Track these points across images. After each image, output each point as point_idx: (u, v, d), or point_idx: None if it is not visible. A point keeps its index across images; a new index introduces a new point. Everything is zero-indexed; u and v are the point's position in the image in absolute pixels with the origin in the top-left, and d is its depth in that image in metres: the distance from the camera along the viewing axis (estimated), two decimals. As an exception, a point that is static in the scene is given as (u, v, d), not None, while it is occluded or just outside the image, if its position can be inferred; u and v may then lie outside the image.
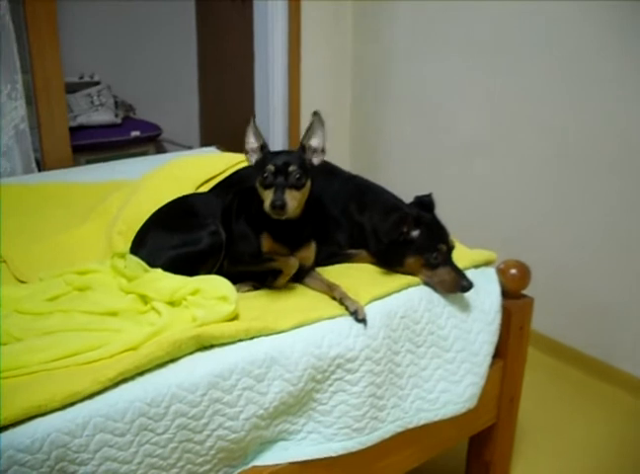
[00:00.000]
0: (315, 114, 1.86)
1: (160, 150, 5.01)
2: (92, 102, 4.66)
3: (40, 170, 3.28)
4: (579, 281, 3.14)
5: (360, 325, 1.79)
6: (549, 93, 3.10)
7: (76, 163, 4.15)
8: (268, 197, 1.74)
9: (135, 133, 4.70)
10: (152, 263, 1.89)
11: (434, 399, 1.98)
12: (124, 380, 1.49)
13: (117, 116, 4.70)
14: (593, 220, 3.04)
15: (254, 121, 1.89)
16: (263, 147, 1.87)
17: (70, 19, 4.69)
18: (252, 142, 1.88)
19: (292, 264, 1.84)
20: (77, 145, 4.24)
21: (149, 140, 4.83)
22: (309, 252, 1.94)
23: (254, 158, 1.87)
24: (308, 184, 1.81)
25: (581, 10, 2.90)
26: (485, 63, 3.38)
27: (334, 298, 1.86)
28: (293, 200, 1.75)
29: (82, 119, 4.55)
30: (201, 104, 5.67)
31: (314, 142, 1.87)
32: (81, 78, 4.78)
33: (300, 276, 1.96)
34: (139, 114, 4.99)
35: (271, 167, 1.76)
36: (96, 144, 4.51)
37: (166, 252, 1.92)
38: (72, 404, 1.41)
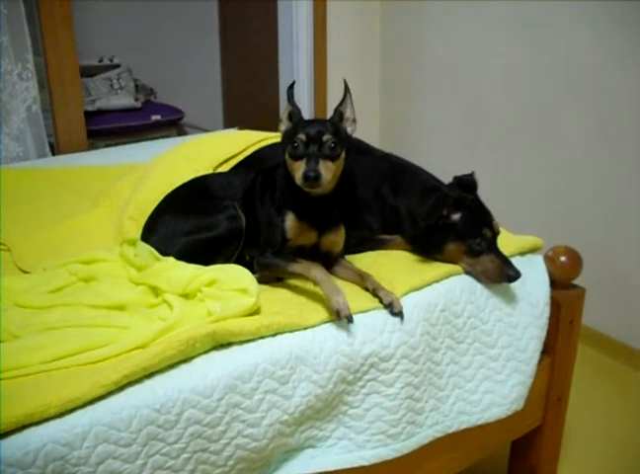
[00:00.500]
0: (345, 83, 1.72)
1: (182, 135, 4.86)
2: (111, 85, 4.56)
3: (54, 154, 3.15)
4: (629, 269, 2.94)
5: (396, 319, 1.62)
6: (595, 69, 2.91)
7: (94, 148, 4.04)
8: (299, 168, 1.59)
9: (156, 117, 4.58)
10: (164, 250, 1.72)
11: (476, 401, 1.82)
12: (130, 384, 1.32)
13: (137, 99, 4.58)
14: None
15: (291, 86, 1.75)
16: (292, 115, 1.70)
17: (91, 1, 4.60)
18: (284, 110, 1.73)
19: (314, 273, 1.63)
20: (96, 130, 4.18)
21: (170, 124, 4.71)
22: (338, 236, 1.78)
23: (283, 127, 1.71)
24: (343, 155, 1.66)
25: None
26: (525, 38, 3.19)
27: (366, 289, 1.69)
28: (328, 172, 1.59)
29: (101, 104, 4.43)
30: (224, 87, 5.54)
31: (347, 111, 1.72)
32: (100, 61, 4.66)
33: (328, 265, 1.79)
34: (160, 98, 4.89)
35: (302, 135, 1.60)
36: (115, 129, 4.40)
37: (179, 238, 1.75)
38: (71, 411, 1.24)
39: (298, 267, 1.66)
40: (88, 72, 4.45)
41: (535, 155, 3.24)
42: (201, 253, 1.71)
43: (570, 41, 2.98)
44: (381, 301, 1.63)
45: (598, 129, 2.94)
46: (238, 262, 1.73)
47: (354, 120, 1.72)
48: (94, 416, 1.25)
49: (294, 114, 1.70)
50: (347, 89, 1.71)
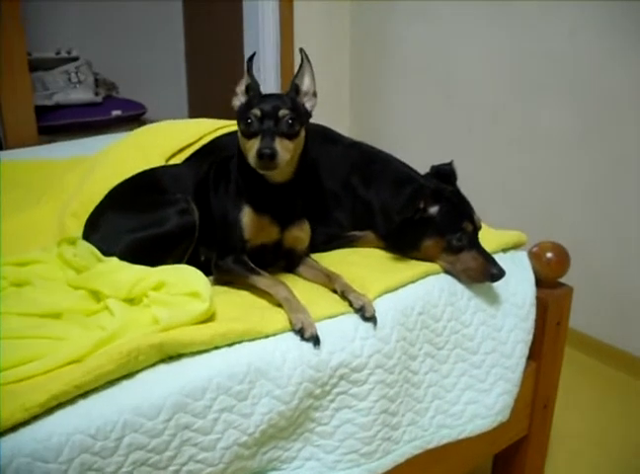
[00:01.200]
0: (301, 51, 1.58)
1: (144, 131, 4.68)
2: (69, 79, 4.35)
3: (1, 149, 2.95)
4: (617, 269, 2.82)
5: (369, 325, 1.46)
6: (579, 59, 2.78)
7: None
8: (252, 147, 1.42)
9: (117, 113, 4.38)
10: (106, 250, 1.53)
11: (458, 412, 1.68)
12: (61, 405, 1.13)
13: (97, 94, 4.39)
14: (633, 197, 2.70)
15: (251, 58, 1.60)
16: (249, 89, 1.54)
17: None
18: (242, 83, 1.57)
19: (276, 290, 1.46)
20: (54, 125, 4.03)
21: (132, 120, 4.50)
22: (302, 232, 1.62)
23: (238, 102, 1.55)
24: (302, 133, 1.50)
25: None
26: (503, 26, 3.07)
27: (334, 291, 1.53)
28: (285, 151, 1.43)
29: (59, 98, 4.23)
30: (189, 81, 5.39)
31: (305, 83, 1.56)
32: (58, 53, 4.44)
33: (292, 264, 1.63)
34: (124, 92, 4.69)
35: (256, 111, 1.45)
36: (74, 124, 4.20)
37: (123, 236, 1.56)
38: (-14, 440, 1.05)
39: (261, 281, 1.49)
40: (45, 65, 4.25)
41: (516, 146, 3.11)
42: (149, 252, 1.53)
43: (552, 25, 2.86)
44: (351, 305, 1.47)
45: (582, 120, 2.82)
46: (191, 262, 1.56)
47: (314, 94, 1.56)
48: (16, 445, 1.06)
49: (252, 88, 1.54)
50: (305, 58, 1.56)
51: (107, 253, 1.52)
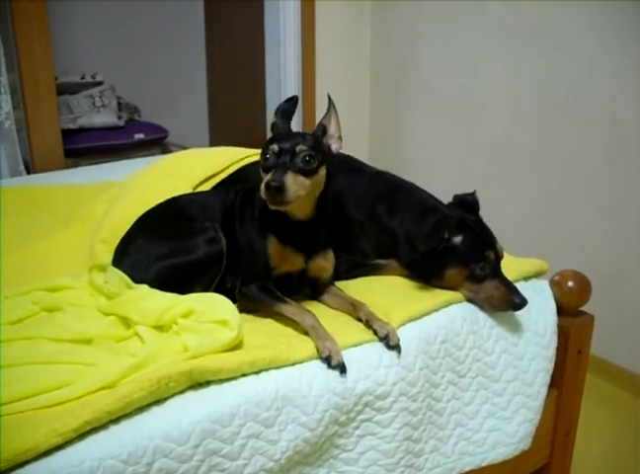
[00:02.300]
0: (328, 97, 1.59)
1: (166, 154, 4.73)
2: (93, 103, 4.41)
3: (29, 174, 2.99)
4: (636, 294, 2.78)
5: (393, 353, 1.48)
6: (597, 81, 2.78)
7: (74, 167, 3.91)
8: (265, 178, 1.44)
9: (139, 136, 4.42)
10: (137, 277, 1.56)
11: (480, 440, 1.68)
12: (93, 430, 1.16)
13: (119, 118, 4.44)
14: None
15: (290, 100, 1.68)
16: (274, 127, 1.59)
17: (74, 17, 4.51)
18: (273, 119, 1.62)
19: (303, 319, 1.47)
20: (78, 148, 4.07)
21: (155, 143, 4.56)
22: (327, 261, 1.63)
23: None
24: (323, 172, 1.50)
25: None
26: (520, 48, 3.07)
27: (359, 320, 1.54)
28: (296, 186, 1.42)
29: (83, 121, 4.28)
30: (210, 105, 5.42)
31: (332, 128, 1.58)
32: (82, 78, 4.51)
33: (317, 292, 1.65)
34: (145, 116, 4.74)
35: (274, 146, 1.46)
36: (97, 148, 4.24)
37: (153, 263, 1.59)
38: (22, 465, 1.08)
39: (288, 309, 1.50)
40: (70, 89, 4.32)
41: (536, 172, 3.10)
42: (178, 279, 1.56)
43: (568, 52, 2.87)
44: (376, 333, 1.48)
45: (601, 145, 2.81)
46: (218, 290, 1.58)
47: (339, 138, 1.58)
48: (49, 470, 1.09)
49: (276, 126, 1.59)
50: (331, 103, 1.58)
51: (136, 280, 1.55)
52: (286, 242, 1.56)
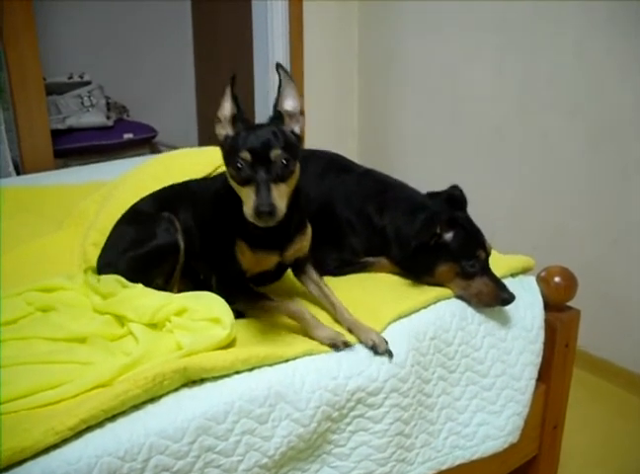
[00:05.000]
0: (278, 67, 1.42)
1: (155, 153, 4.72)
2: (82, 103, 4.40)
3: (19, 174, 3.00)
4: (626, 289, 2.83)
5: None
6: (583, 74, 2.81)
7: (64, 168, 3.90)
8: (248, 198, 1.30)
9: (128, 136, 4.42)
10: (112, 273, 1.60)
11: (470, 434, 1.71)
12: (90, 429, 1.18)
13: (108, 118, 4.43)
14: (638, 215, 2.72)
15: (232, 82, 1.41)
16: (235, 119, 1.40)
17: (61, 17, 4.48)
18: (226, 108, 1.41)
19: (290, 309, 1.48)
20: (66, 149, 4.06)
21: (144, 143, 4.56)
22: (303, 241, 1.56)
23: (223, 132, 1.41)
24: (297, 167, 1.38)
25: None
26: (507, 41, 3.08)
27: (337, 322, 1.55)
28: (283, 199, 1.31)
29: (71, 122, 4.28)
30: (199, 104, 5.42)
31: (289, 105, 1.42)
32: (70, 78, 4.49)
33: (299, 269, 1.61)
34: (134, 115, 4.73)
35: (246, 155, 1.31)
36: (86, 148, 4.24)
37: (118, 257, 1.63)
38: (19, 463, 1.09)
39: (269, 304, 1.49)
40: (58, 89, 4.30)
41: (524, 168, 3.12)
42: (138, 271, 1.58)
43: (557, 47, 2.89)
44: (361, 341, 1.48)
45: (589, 141, 2.83)
46: (190, 278, 1.61)
47: (301, 113, 1.42)
48: (47, 468, 1.10)
49: (238, 118, 1.40)
50: (285, 75, 1.41)
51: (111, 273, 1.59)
52: (257, 246, 1.48)
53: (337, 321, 1.54)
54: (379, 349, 1.47)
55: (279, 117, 1.41)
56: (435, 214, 1.65)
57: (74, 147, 4.15)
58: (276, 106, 1.43)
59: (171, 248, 1.59)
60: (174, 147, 4.68)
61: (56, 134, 3.94)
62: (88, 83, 4.51)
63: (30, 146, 3.07)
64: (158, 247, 1.58)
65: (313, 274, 1.60)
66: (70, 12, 4.59)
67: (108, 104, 4.52)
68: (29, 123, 3.07)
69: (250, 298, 1.52)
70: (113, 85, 4.68)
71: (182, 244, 1.60)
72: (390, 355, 1.48)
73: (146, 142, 4.59)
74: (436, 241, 1.65)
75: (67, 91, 4.39)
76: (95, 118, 4.36)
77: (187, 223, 1.64)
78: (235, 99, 1.41)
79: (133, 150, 4.45)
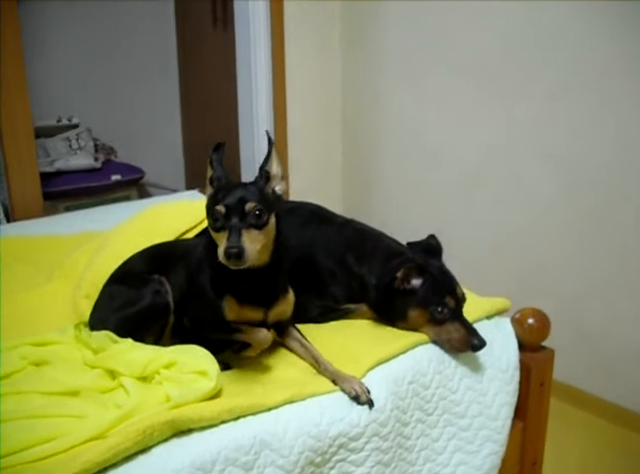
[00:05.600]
0: (267, 136, 1.60)
1: (143, 194, 4.80)
2: (70, 145, 4.46)
3: (9, 220, 3.05)
4: (603, 323, 2.91)
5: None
6: (557, 120, 2.92)
7: (55, 210, 3.98)
8: (221, 242, 1.41)
9: (116, 177, 4.48)
10: (102, 329, 1.66)
11: (449, 474, 1.74)
12: (83, 481, 1.23)
13: (96, 159, 4.49)
14: (611, 257, 2.83)
15: (219, 148, 1.61)
16: (213, 180, 1.55)
17: (48, 61, 4.55)
18: (208, 171, 1.58)
19: (263, 339, 1.56)
20: (55, 191, 4.11)
21: (131, 184, 4.61)
22: (286, 305, 1.66)
23: (207, 192, 1.56)
24: (273, 220, 1.50)
25: (585, 29, 2.75)
26: (489, 87, 3.18)
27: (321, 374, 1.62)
28: (254, 244, 1.42)
29: (60, 164, 4.33)
30: (185, 144, 5.48)
31: (273, 168, 1.56)
32: (59, 121, 4.56)
33: (281, 332, 1.70)
34: (122, 156, 4.79)
35: (221, 207, 1.43)
36: (75, 190, 4.29)
37: (108, 316, 1.69)
38: (14, 519, 1.15)
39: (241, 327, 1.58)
40: (46, 133, 4.37)
41: (500, 211, 3.22)
42: (128, 331, 1.63)
43: (532, 92, 2.99)
44: (344, 391, 1.56)
45: (564, 182, 2.93)
46: (181, 335, 1.67)
47: (282, 178, 1.56)
48: (42, 522, 1.16)
49: (216, 178, 1.55)
50: (270, 143, 1.57)
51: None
52: (244, 301, 1.57)
53: (320, 373, 1.61)
54: (361, 399, 1.53)
55: (264, 176, 1.54)
56: (404, 261, 1.73)
57: (62, 190, 4.21)
58: (262, 167, 1.56)
59: (161, 309, 1.65)
60: (161, 187, 4.78)
61: (45, 177, 4.00)
62: (76, 126, 4.58)
63: (19, 190, 3.10)
64: (148, 308, 1.64)
65: (295, 332, 1.69)
66: (59, 58, 4.67)
67: (96, 146, 4.58)
68: (19, 169, 3.10)
69: (225, 330, 1.60)
70: (101, 126, 4.74)
71: (172, 305, 1.66)
72: (371, 404, 1.54)
73: (134, 183, 4.65)
74: (404, 287, 1.73)
75: (55, 134, 4.45)
76: (83, 160, 4.42)
77: (178, 280, 1.69)
78: (211, 162, 1.58)
79: (121, 191, 4.53)
